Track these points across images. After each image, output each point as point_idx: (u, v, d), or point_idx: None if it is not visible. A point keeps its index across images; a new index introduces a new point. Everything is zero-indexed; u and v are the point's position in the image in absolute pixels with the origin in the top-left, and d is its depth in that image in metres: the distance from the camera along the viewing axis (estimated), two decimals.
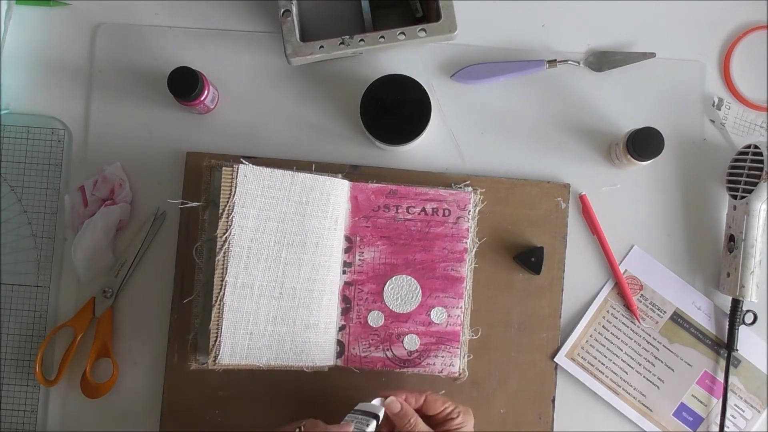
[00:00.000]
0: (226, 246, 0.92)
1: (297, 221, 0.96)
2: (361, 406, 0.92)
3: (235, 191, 0.92)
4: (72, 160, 1.04)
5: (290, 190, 0.95)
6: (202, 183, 0.98)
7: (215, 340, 0.92)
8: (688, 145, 1.05)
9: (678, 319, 1.03)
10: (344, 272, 1.00)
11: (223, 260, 0.92)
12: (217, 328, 0.92)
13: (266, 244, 0.94)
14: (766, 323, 1.03)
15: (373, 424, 0.88)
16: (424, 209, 1.01)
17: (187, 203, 0.97)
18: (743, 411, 1.03)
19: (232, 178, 0.92)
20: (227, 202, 0.92)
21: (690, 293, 1.03)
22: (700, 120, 1.05)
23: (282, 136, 1.05)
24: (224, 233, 0.92)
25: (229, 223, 0.92)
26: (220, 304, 0.92)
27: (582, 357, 1.03)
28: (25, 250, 1.03)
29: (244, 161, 0.93)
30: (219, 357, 0.92)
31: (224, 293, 0.92)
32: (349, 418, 0.89)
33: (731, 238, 1.01)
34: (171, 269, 1.03)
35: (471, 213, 1.01)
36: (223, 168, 0.92)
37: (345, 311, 1.00)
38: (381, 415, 0.90)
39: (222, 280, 0.92)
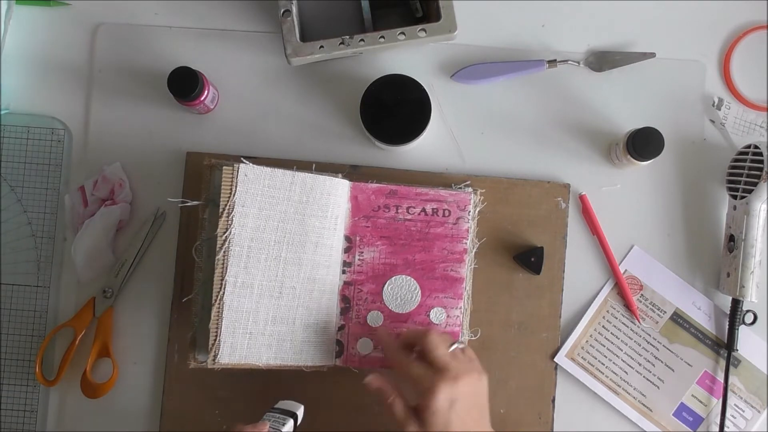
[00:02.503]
0: (227, 245, 0.92)
1: (297, 221, 0.96)
2: (280, 404, 0.93)
3: (235, 190, 0.92)
4: (72, 160, 1.04)
5: (290, 189, 0.95)
6: (202, 182, 0.97)
7: (215, 339, 0.92)
8: (688, 145, 1.05)
9: (678, 319, 1.03)
10: (344, 272, 1.00)
11: (223, 259, 0.92)
12: (217, 327, 0.92)
13: (266, 243, 0.94)
14: (766, 323, 1.03)
15: (290, 423, 0.89)
16: (424, 209, 1.01)
17: (188, 202, 0.97)
18: (743, 411, 1.03)
19: (232, 178, 0.92)
20: (227, 201, 0.92)
21: (690, 293, 1.03)
22: (700, 120, 1.05)
23: (282, 136, 1.05)
24: (224, 232, 0.92)
25: (230, 222, 0.92)
26: (219, 304, 0.92)
27: (582, 357, 1.03)
28: (25, 250, 1.03)
29: (244, 160, 0.93)
30: (218, 356, 0.92)
31: (224, 292, 0.92)
32: (267, 417, 0.90)
33: (731, 238, 1.01)
34: (171, 269, 1.03)
35: (471, 213, 1.01)
36: (224, 167, 0.92)
37: (344, 311, 1.00)
38: (299, 413, 0.91)
39: (222, 280, 0.92)
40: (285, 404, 0.92)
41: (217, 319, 0.92)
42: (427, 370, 0.88)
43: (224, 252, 0.92)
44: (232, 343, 0.92)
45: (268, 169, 0.94)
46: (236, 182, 0.92)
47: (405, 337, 0.94)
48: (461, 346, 0.92)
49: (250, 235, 0.93)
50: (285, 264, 0.95)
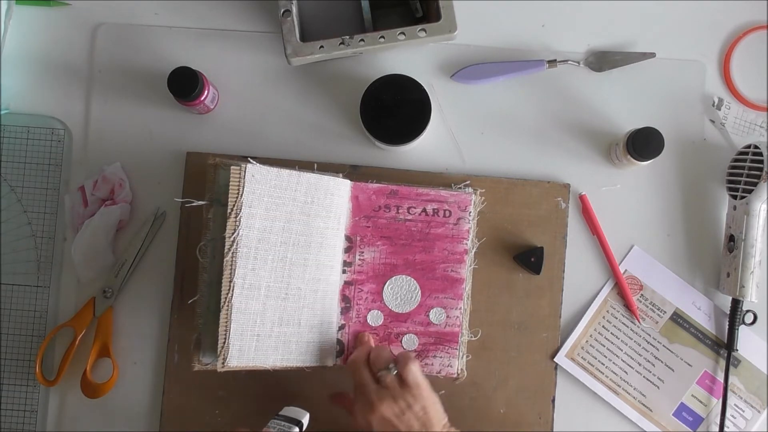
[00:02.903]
0: (234, 247, 0.92)
1: (302, 221, 0.95)
2: (285, 410, 0.92)
3: (242, 191, 0.91)
4: (72, 160, 1.04)
5: (296, 189, 0.95)
6: (207, 181, 0.97)
7: (224, 343, 0.91)
8: (688, 145, 1.05)
9: (678, 319, 1.03)
10: (344, 272, 1.00)
11: (231, 261, 0.91)
12: (226, 330, 0.91)
13: (273, 244, 0.94)
14: (766, 323, 1.03)
15: (295, 430, 0.89)
16: (424, 210, 1.01)
17: (194, 202, 0.96)
18: (743, 411, 1.03)
19: (239, 178, 0.91)
20: (235, 201, 0.91)
21: (690, 293, 1.03)
22: (700, 120, 1.05)
23: (282, 136, 1.05)
24: (232, 233, 0.91)
25: (237, 223, 0.91)
26: (228, 306, 0.91)
27: (582, 357, 1.03)
28: (25, 250, 1.03)
29: (251, 160, 0.93)
30: (227, 359, 0.91)
31: (232, 294, 0.91)
32: (272, 424, 0.89)
33: (731, 238, 1.01)
34: (171, 269, 1.03)
35: (472, 214, 1.01)
36: (232, 167, 0.91)
37: (345, 311, 1.00)
38: (305, 421, 0.90)
39: (230, 281, 0.91)
40: (290, 411, 0.91)
41: (226, 322, 0.91)
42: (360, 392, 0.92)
43: (232, 254, 0.91)
44: (240, 346, 0.92)
45: (274, 170, 0.93)
46: (243, 183, 0.91)
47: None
48: (392, 372, 0.91)
49: (257, 236, 0.93)
50: (291, 265, 0.95)
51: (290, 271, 0.95)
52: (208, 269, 0.96)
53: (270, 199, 0.93)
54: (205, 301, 0.96)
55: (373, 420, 0.89)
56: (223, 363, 0.91)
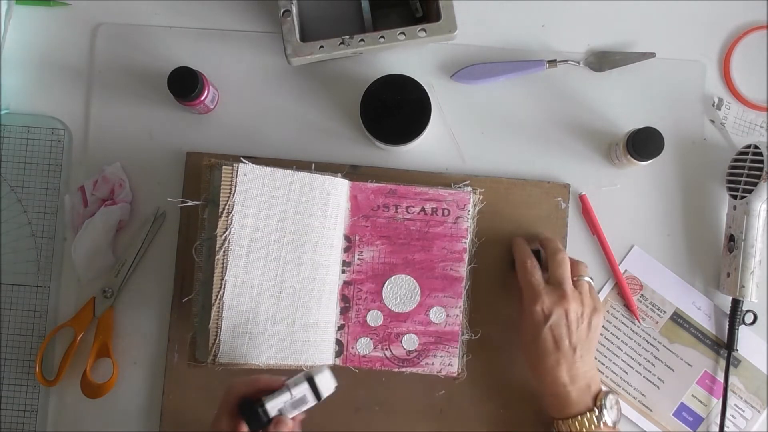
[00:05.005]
0: (226, 245, 0.92)
1: (297, 220, 0.96)
2: (311, 368, 0.86)
3: (234, 190, 0.92)
4: (72, 160, 1.05)
5: (290, 189, 0.95)
6: (202, 182, 0.98)
7: (215, 339, 0.92)
8: (688, 145, 1.05)
9: (678, 319, 1.03)
10: (343, 271, 1.00)
11: (223, 259, 0.92)
12: (217, 327, 0.92)
13: (266, 243, 0.94)
14: (766, 323, 1.03)
15: (303, 387, 0.84)
16: (423, 209, 1.01)
17: (187, 202, 0.97)
18: (743, 411, 1.03)
19: (231, 177, 0.92)
20: (227, 200, 0.92)
21: (690, 293, 1.03)
22: (700, 120, 1.05)
23: (282, 136, 1.05)
24: (224, 232, 0.92)
25: (229, 222, 0.92)
26: (219, 303, 0.92)
27: None
28: (25, 250, 1.03)
29: (244, 160, 0.93)
30: (218, 356, 0.92)
31: (224, 292, 0.92)
32: (289, 381, 0.85)
33: (731, 238, 1.01)
34: (171, 269, 1.03)
35: (470, 213, 1.01)
36: (223, 167, 0.92)
37: (344, 310, 1.00)
38: (319, 381, 0.84)
39: (222, 279, 0.92)
40: (313, 369, 0.86)
41: (217, 319, 0.92)
42: (542, 281, 0.95)
43: (224, 252, 0.92)
44: (232, 343, 0.92)
45: (267, 169, 0.94)
46: (236, 182, 0.92)
47: (542, 242, 0.99)
48: (590, 281, 0.96)
49: (249, 234, 0.93)
50: (285, 264, 0.95)
51: (284, 270, 0.95)
52: (204, 268, 0.96)
53: (263, 198, 0.93)
54: (201, 299, 0.96)
55: (554, 310, 0.93)
56: (213, 359, 0.92)
